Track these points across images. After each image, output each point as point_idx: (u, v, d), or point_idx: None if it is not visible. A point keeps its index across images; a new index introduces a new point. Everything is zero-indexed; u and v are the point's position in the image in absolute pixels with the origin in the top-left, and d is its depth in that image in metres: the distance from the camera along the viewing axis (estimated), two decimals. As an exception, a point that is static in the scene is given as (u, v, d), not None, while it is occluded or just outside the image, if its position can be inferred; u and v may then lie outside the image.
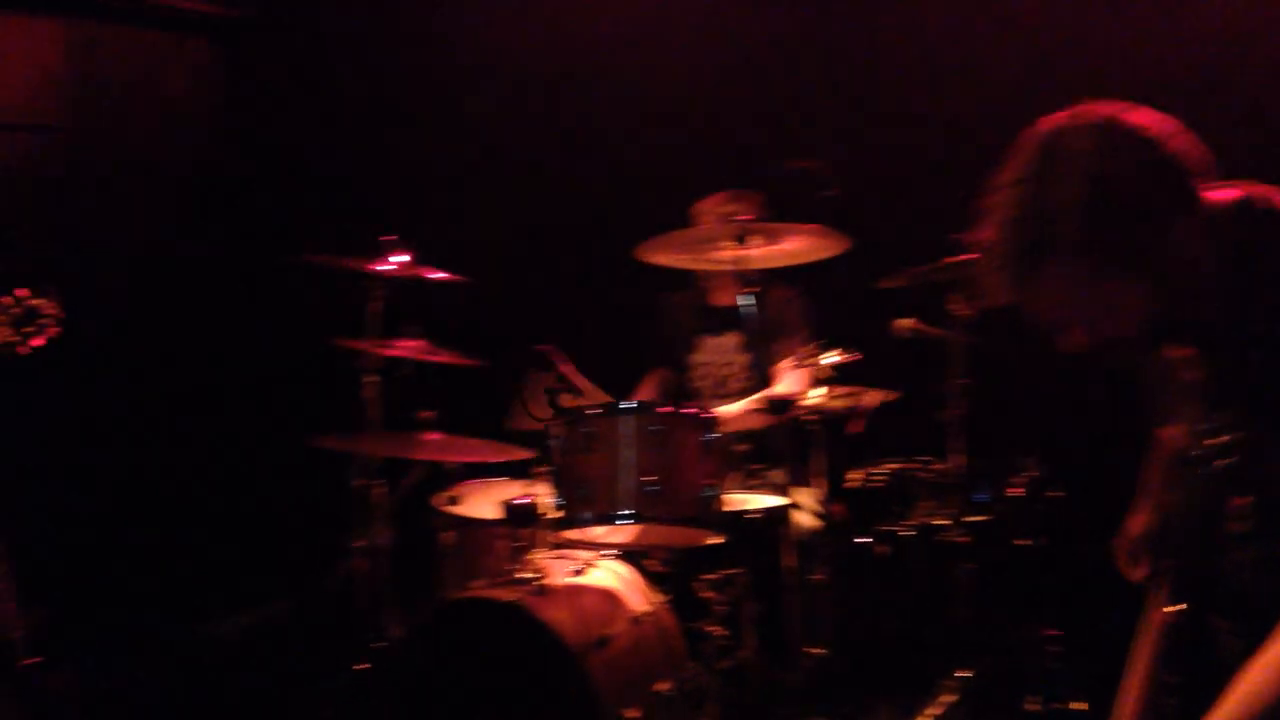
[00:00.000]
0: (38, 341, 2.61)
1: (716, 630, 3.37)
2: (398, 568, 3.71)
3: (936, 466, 3.52)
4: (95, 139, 4.54)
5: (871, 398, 3.39)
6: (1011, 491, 3.48)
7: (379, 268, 3.73)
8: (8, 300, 2.60)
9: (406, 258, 3.80)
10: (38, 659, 3.69)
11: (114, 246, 4.55)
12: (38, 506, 4.04)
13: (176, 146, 4.85)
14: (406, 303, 3.89)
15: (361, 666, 3.57)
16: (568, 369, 3.48)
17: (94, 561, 4.38)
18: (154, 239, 4.71)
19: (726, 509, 3.28)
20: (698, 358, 3.89)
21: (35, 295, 2.63)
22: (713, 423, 3.24)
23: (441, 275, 3.84)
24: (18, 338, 2.58)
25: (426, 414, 3.74)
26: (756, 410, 3.55)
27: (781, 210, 3.66)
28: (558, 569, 3.34)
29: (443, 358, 3.84)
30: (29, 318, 2.61)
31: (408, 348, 3.79)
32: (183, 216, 4.86)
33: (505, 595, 3.16)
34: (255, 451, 4.91)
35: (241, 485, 4.93)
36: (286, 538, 4.84)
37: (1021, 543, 3.44)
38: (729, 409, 3.63)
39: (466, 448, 3.70)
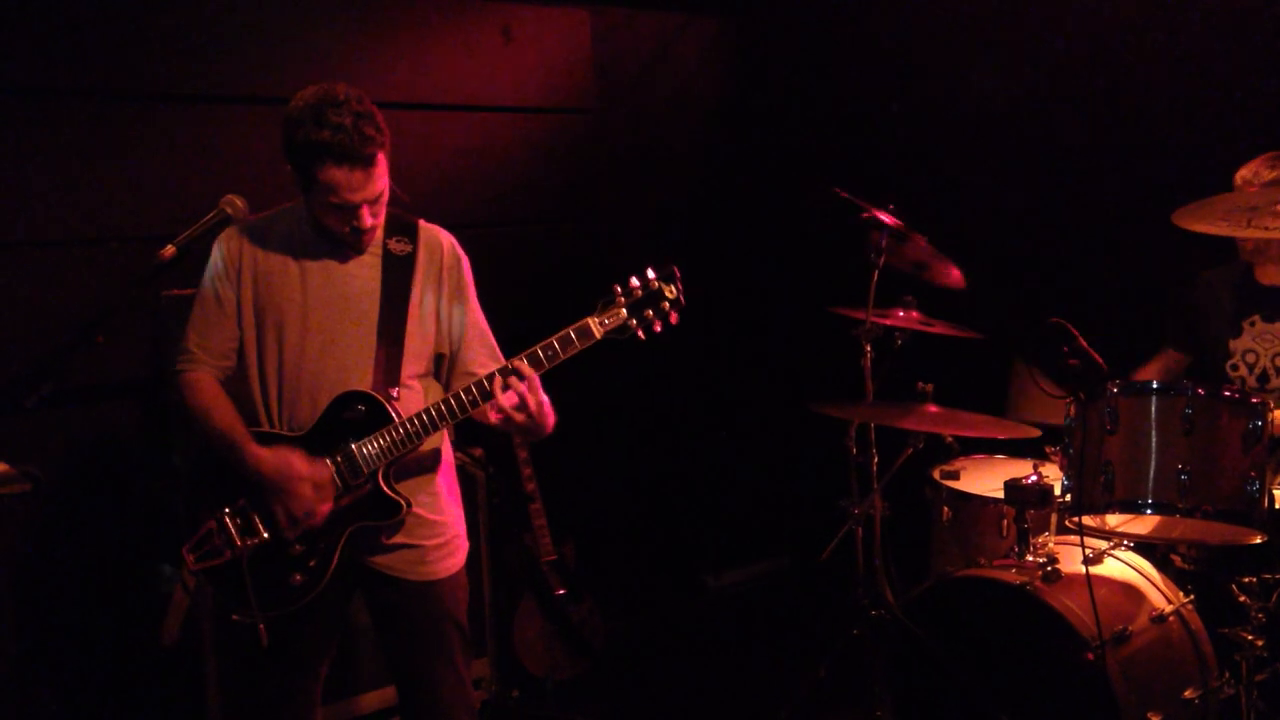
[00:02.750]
0: (657, 327, 2.51)
1: (1252, 639, 3.02)
2: (893, 538, 3.68)
3: None
4: (615, 118, 4.89)
5: None
6: None
7: (883, 218, 3.68)
8: (635, 283, 2.52)
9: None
10: (562, 590, 4.11)
11: (630, 218, 4.89)
12: (565, 454, 4.44)
13: (686, 122, 5.11)
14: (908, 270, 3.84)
15: (856, 632, 3.59)
16: (1084, 344, 3.25)
17: (613, 510, 4.76)
18: (666, 212, 5.00)
19: (1273, 506, 2.92)
20: (1239, 343, 3.46)
21: (661, 279, 2.51)
22: (1260, 409, 2.88)
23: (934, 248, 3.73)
24: (634, 322, 2.50)
25: (925, 385, 3.68)
26: None
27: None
28: (1069, 556, 3.15)
29: (939, 329, 3.75)
30: (651, 301, 2.50)
31: (905, 318, 3.74)
32: (692, 189, 5.12)
33: (1014, 578, 3.04)
34: (760, 415, 5.09)
35: (746, 446, 5.13)
36: (786, 500, 4.97)
37: None
38: None
39: (967, 422, 3.59)
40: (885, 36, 5.05)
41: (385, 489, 2.59)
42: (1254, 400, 2.87)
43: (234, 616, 2.59)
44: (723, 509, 5.07)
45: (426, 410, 2.56)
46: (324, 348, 2.62)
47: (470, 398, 2.54)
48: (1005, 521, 3.41)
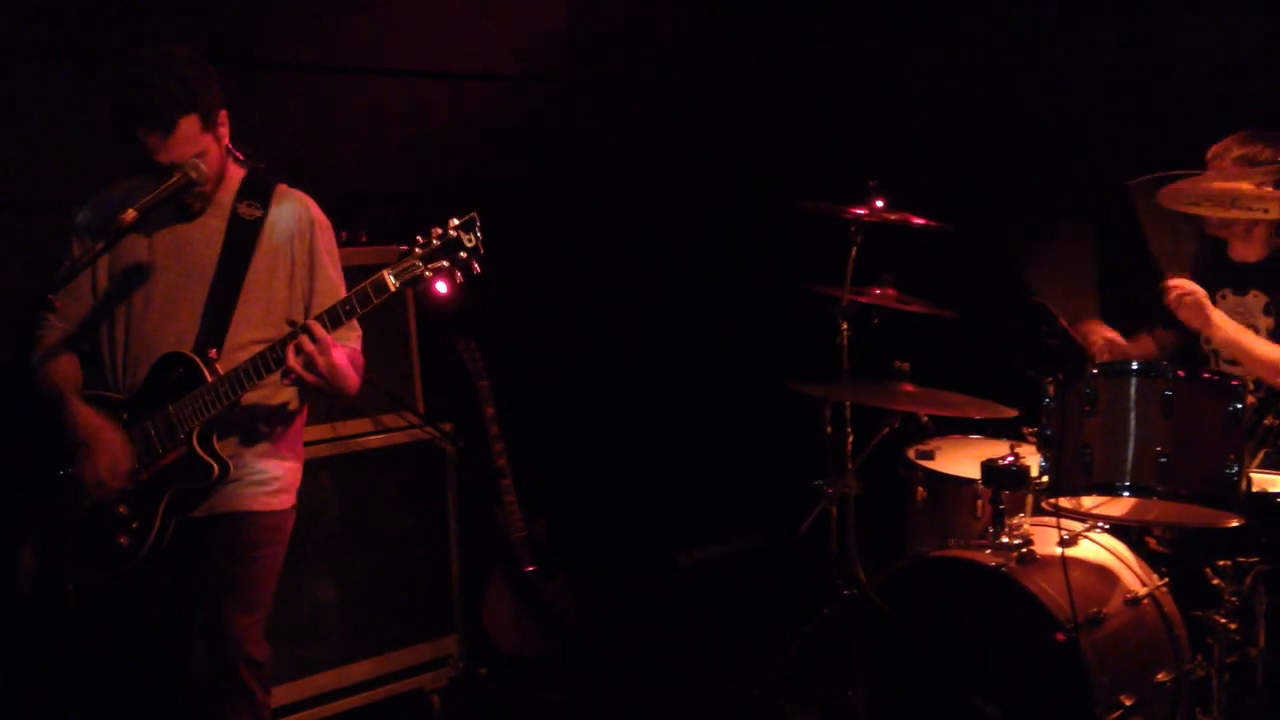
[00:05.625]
0: (458, 276, 2.47)
1: (1225, 622, 3.01)
2: (866, 517, 3.66)
3: None
4: (588, 89, 4.80)
5: None
6: None
7: (858, 213, 3.65)
8: (435, 232, 2.47)
9: (882, 203, 3.69)
10: (533, 567, 4.06)
11: (602, 192, 4.81)
12: (537, 430, 4.39)
13: (662, 95, 5.03)
14: (885, 248, 3.79)
15: (828, 611, 3.57)
16: (1064, 324, 3.22)
17: (585, 487, 4.71)
18: (640, 186, 4.92)
19: (1250, 489, 2.91)
20: (1213, 316, 3.46)
21: (460, 228, 2.46)
22: (1240, 391, 2.86)
23: (921, 221, 3.70)
24: (429, 273, 2.46)
25: (901, 364, 3.64)
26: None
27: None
28: (1044, 537, 3.13)
29: (917, 306, 3.72)
30: (447, 250, 2.45)
31: (882, 295, 3.70)
32: (667, 163, 5.04)
33: (988, 559, 3.01)
34: (735, 392, 5.05)
35: (720, 423, 5.09)
36: (760, 478, 4.94)
37: None
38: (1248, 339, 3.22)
39: (943, 401, 3.55)
40: (864, 9, 4.99)
41: (200, 451, 2.58)
42: (1234, 383, 2.86)
43: (69, 587, 2.62)
44: (696, 486, 5.02)
45: (235, 369, 2.56)
46: (164, 312, 2.64)
47: (274, 356, 2.53)
48: (980, 502, 3.38)
